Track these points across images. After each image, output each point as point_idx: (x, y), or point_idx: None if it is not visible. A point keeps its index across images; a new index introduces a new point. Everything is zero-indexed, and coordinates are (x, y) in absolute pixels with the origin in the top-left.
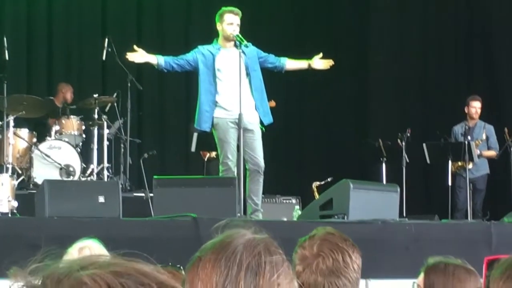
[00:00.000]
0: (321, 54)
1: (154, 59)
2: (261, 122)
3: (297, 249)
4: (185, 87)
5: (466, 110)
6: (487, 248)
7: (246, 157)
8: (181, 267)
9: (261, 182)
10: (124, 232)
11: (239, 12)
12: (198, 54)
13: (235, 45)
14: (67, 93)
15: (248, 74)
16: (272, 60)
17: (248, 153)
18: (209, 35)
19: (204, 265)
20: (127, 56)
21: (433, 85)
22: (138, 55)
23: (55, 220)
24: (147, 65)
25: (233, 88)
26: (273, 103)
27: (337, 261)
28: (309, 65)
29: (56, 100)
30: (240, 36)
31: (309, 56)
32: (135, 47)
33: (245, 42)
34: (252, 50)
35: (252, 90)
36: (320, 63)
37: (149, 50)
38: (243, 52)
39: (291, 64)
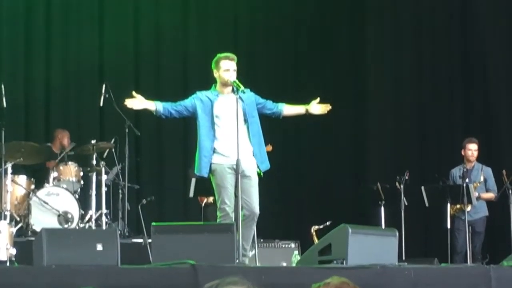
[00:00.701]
0: (318, 99)
1: (153, 106)
2: (259, 168)
3: None
4: (182, 133)
5: (463, 153)
6: None
7: (242, 203)
8: None
9: (254, 228)
10: (122, 280)
11: (235, 57)
12: (197, 100)
13: (233, 91)
14: (63, 139)
15: (246, 120)
16: (270, 106)
17: (244, 199)
18: (207, 80)
19: None
20: (125, 103)
21: (430, 127)
22: (137, 102)
23: (53, 268)
24: (145, 111)
25: (231, 134)
26: (270, 148)
27: None
28: (307, 110)
29: (54, 147)
30: (237, 82)
31: (306, 101)
32: (133, 93)
33: (242, 88)
34: (250, 96)
35: (250, 136)
36: (317, 108)
37: (147, 96)
38: (240, 98)
39: (288, 110)
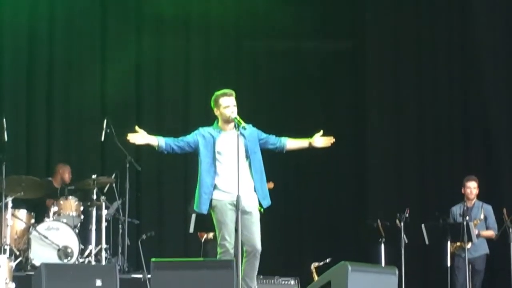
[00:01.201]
0: (321, 132)
1: (155, 141)
2: (260, 205)
3: None
4: (183, 168)
5: (462, 191)
6: None
7: (243, 239)
8: None
9: (257, 265)
10: None
11: (233, 92)
12: (199, 136)
13: (235, 127)
14: (64, 174)
15: (248, 157)
16: (273, 141)
17: (246, 235)
18: (208, 116)
19: None
20: (128, 138)
21: (430, 165)
22: (139, 137)
23: None
24: (147, 146)
25: (232, 170)
26: (271, 185)
27: None
28: (310, 143)
29: (54, 181)
30: (238, 118)
31: (308, 135)
32: (136, 128)
33: (243, 124)
34: (252, 132)
35: (252, 172)
36: (320, 141)
37: (148, 131)
38: (242, 134)
39: (291, 144)
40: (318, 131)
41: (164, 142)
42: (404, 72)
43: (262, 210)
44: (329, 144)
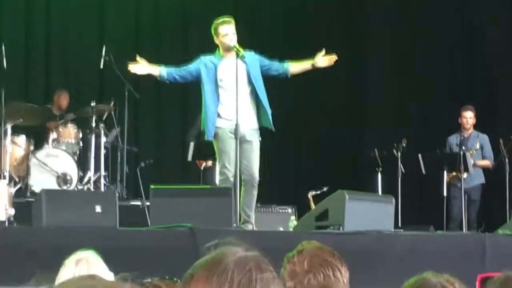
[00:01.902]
0: (323, 51)
1: (157, 71)
2: (266, 130)
3: (286, 264)
4: (182, 97)
5: (459, 121)
6: (481, 261)
7: (242, 168)
8: (177, 280)
9: (255, 194)
10: (121, 242)
11: (231, 20)
12: (200, 65)
13: (237, 55)
14: (63, 101)
15: (250, 83)
16: (276, 67)
17: (244, 164)
18: (207, 44)
19: (196, 283)
20: (129, 67)
21: (429, 94)
22: (140, 67)
23: (52, 229)
24: (148, 76)
25: (234, 97)
26: None
27: (328, 277)
28: (313, 64)
29: (53, 108)
30: (237, 47)
31: (311, 55)
32: (137, 57)
33: (242, 53)
34: (254, 58)
35: (256, 98)
36: (323, 60)
37: (147, 60)
38: (243, 61)
39: (294, 67)
40: (320, 51)
41: (166, 72)
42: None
43: (261, 139)
44: (332, 63)
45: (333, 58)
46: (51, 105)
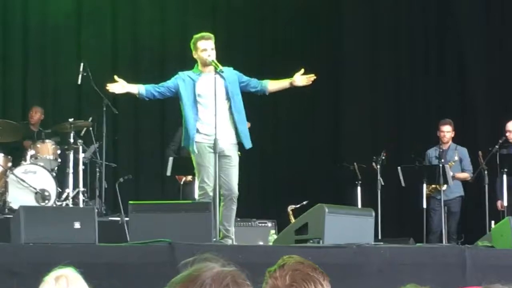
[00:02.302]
0: (302, 70)
1: (135, 89)
2: (241, 147)
3: (268, 279)
4: (160, 111)
5: (437, 134)
6: (462, 273)
7: (221, 183)
8: None
9: (234, 209)
10: (100, 258)
11: (211, 36)
12: (179, 80)
13: (215, 70)
14: (35, 115)
15: (228, 99)
16: (254, 84)
17: (223, 179)
18: (185, 59)
19: None
20: (107, 87)
21: (406, 107)
22: (119, 86)
23: (31, 246)
24: (127, 94)
25: (213, 113)
26: (248, 125)
27: None
28: (291, 83)
29: (30, 124)
30: (215, 62)
31: (290, 74)
32: (115, 77)
33: (220, 67)
34: (232, 74)
35: (234, 114)
36: (301, 79)
37: (125, 76)
38: (221, 76)
39: (273, 85)
40: (298, 71)
41: (144, 89)
42: (380, 15)
43: (240, 153)
44: (310, 82)
45: (311, 77)
46: (27, 121)
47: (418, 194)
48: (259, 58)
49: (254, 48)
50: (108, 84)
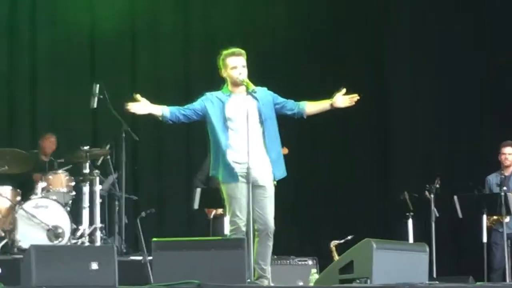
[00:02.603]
0: (343, 90)
1: (159, 111)
2: (274, 177)
3: None
4: (186, 137)
5: (498, 158)
6: None
7: (255, 216)
8: None
9: (270, 245)
10: None
11: (242, 51)
12: (207, 102)
13: (247, 90)
14: (47, 143)
15: (261, 122)
16: (291, 106)
17: (257, 212)
18: (212, 78)
19: None
20: (127, 107)
21: (462, 129)
22: (141, 106)
23: None
24: (149, 116)
25: (245, 138)
26: (285, 150)
27: None
28: (331, 104)
29: (40, 154)
30: (247, 80)
31: (330, 95)
32: (137, 96)
33: (252, 87)
34: (266, 95)
35: (266, 140)
36: (343, 100)
37: (146, 98)
38: (254, 97)
39: (311, 107)
40: (339, 91)
41: (169, 112)
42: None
43: (276, 182)
44: (353, 103)
45: (354, 97)
46: (37, 150)
47: (478, 227)
48: (297, 78)
49: (292, 64)
50: (128, 103)
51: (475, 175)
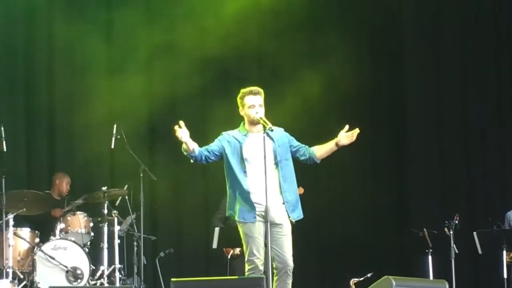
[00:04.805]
0: (346, 127)
1: (193, 144)
2: (289, 217)
3: None
4: (203, 177)
5: None
6: None
7: (273, 254)
8: None
9: (290, 284)
10: None
11: (260, 90)
12: (224, 142)
13: (263, 129)
14: (61, 185)
15: (277, 164)
16: (304, 152)
17: (275, 250)
18: (228, 117)
19: None
20: (175, 130)
21: (480, 165)
22: (185, 132)
23: None
24: (159, 153)
25: (261, 178)
26: (301, 190)
27: None
28: (337, 144)
29: (53, 193)
30: (264, 119)
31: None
32: (181, 122)
33: (269, 125)
34: (282, 136)
35: (281, 180)
36: (346, 137)
37: (162, 139)
38: (270, 138)
39: (320, 151)
40: (342, 128)
41: (198, 149)
42: (447, 65)
43: (293, 221)
44: (355, 137)
45: (355, 132)
46: (50, 190)
47: (498, 263)
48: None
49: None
50: (176, 127)
51: (494, 211)
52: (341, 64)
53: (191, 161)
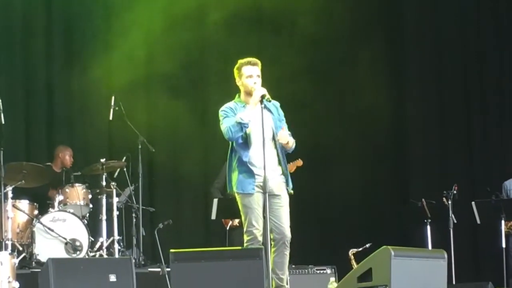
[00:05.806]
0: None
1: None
2: (288, 186)
3: None
4: (202, 148)
5: None
6: None
7: (271, 226)
8: None
9: (287, 255)
10: None
11: (258, 61)
12: (232, 113)
13: (261, 101)
14: (65, 157)
15: (275, 135)
16: None
17: (274, 221)
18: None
19: None
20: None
21: (478, 135)
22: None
23: None
24: (157, 124)
25: (259, 149)
26: (300, 162)
27: None
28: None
29: (54, 166)
30: (264, 91)
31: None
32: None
33: (267, 96)
34: (278, 109)
35: (279, 152)
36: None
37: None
38: (267, 108)
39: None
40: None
41: None
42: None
43: (291, 191)
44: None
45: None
46: (52, 163)
47: (496, 232)
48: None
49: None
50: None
51: (493, 181)
52: None
53: (236, 134)
